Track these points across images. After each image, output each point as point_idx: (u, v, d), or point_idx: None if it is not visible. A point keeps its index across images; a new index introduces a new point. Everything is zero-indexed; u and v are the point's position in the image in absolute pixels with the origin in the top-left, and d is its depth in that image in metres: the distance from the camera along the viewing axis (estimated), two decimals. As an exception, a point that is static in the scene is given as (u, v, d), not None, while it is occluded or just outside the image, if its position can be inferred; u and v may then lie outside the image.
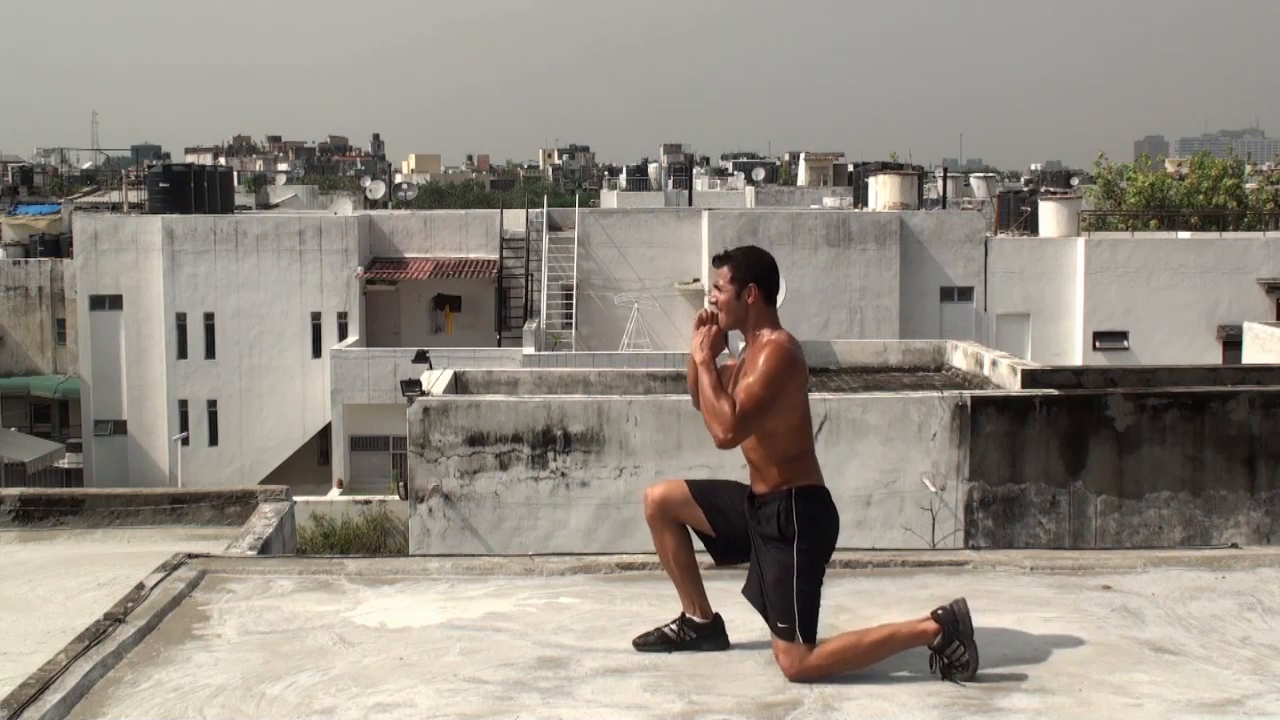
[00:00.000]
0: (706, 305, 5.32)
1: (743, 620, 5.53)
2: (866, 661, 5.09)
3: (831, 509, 5.21)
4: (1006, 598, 5.90)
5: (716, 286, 5.26)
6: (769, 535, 5.13)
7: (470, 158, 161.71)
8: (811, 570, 5.09)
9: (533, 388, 19.22)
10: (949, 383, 19.27)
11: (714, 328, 5.21)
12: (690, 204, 51.73)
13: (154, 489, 10.43)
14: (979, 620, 5.48)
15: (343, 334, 36.89)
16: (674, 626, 5.33)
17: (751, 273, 5.21)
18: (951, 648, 5.01)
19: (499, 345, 35.87)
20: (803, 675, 5.00)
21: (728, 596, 5.68)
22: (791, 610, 5.02)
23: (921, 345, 22.70)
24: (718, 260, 5.31)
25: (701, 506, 5.31)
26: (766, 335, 5.16)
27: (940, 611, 5.07)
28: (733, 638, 5.34)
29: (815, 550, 5.12)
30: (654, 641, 5.31)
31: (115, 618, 5.53)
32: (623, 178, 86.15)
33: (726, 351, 5.31)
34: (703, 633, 5.31)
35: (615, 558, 6.54)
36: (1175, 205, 50.95)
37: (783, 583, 5.05)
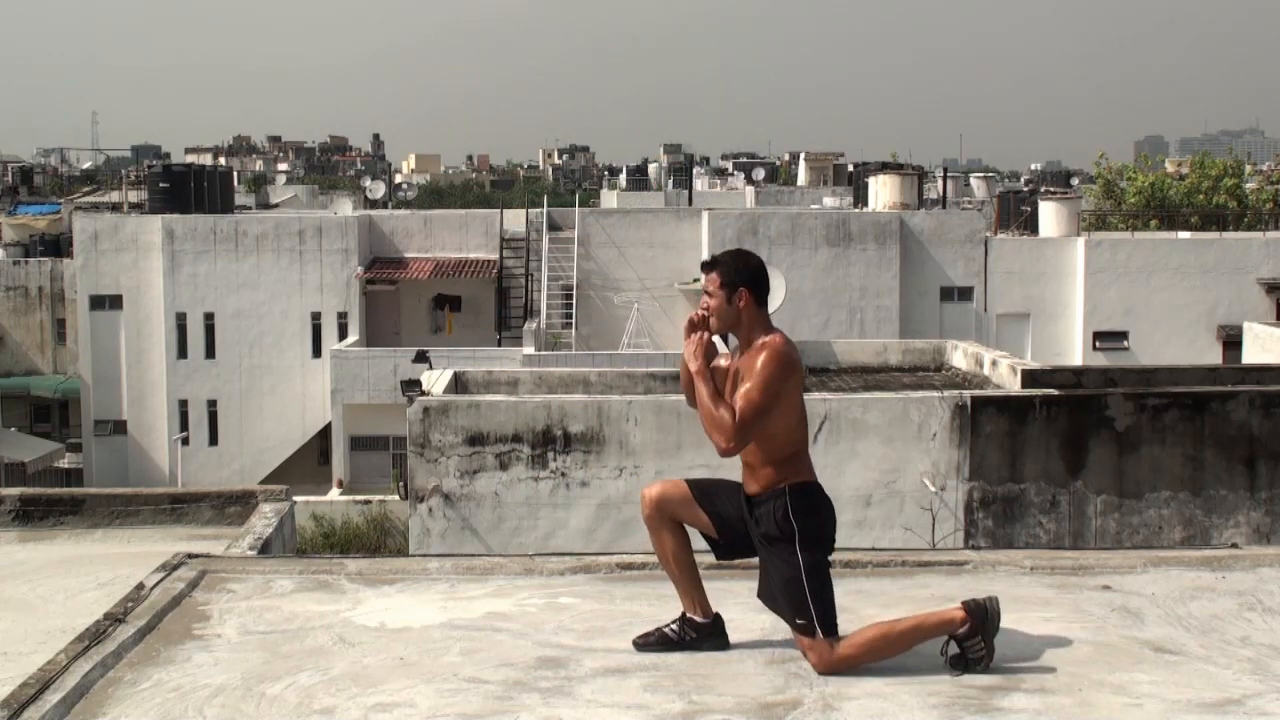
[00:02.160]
0: (698, 311, 5.31)
1: (742, 620, 5.53)
2: (895, 651, 5.14)
3: (826, 502, 5.25)
4: (1006, 598, 5.88)
5: (707, 292, 5.26)
6: (770, 535, 5.15)
7: (470, 158, 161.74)
8: (817, 564, 5.13)
9: (533, 388, 19.21)
10: (949, 383, 19.27)
11: (705, 334, 5.21)
12: (690, 204, 51.74)
13: (154, 489, 10.43)
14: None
15: (343, 334, 36.88)
16: (674, 626, 5.33)
17: (741, 276, 5.22)
18: (973, 642, 5.05)
19: (499, 345, 35.86)
20: (833, 668, 5.04)
21: (728, 596, 5.68)
22: (807, 607, 5.07)
23: (921, 345, 22.70)
24: (705, 266, 5.30)
25: (702, 507, 5.31)
26: (761, 339, 5.16)
27: (972, 605, 5.10)
28: (733, 638, 5.34)
29: (817, 543, 5.15)
30: (654, 642, 5.31)
31: (115, 618, 5.53)
32: (623, 178, 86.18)
33: (723, 352, 5.30)
34: (703, 632, 5.31)
35: (615, 558, 6.53)
36: (1175, 205, 50.93)
37: (793, 582, 5.09)
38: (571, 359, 28.80)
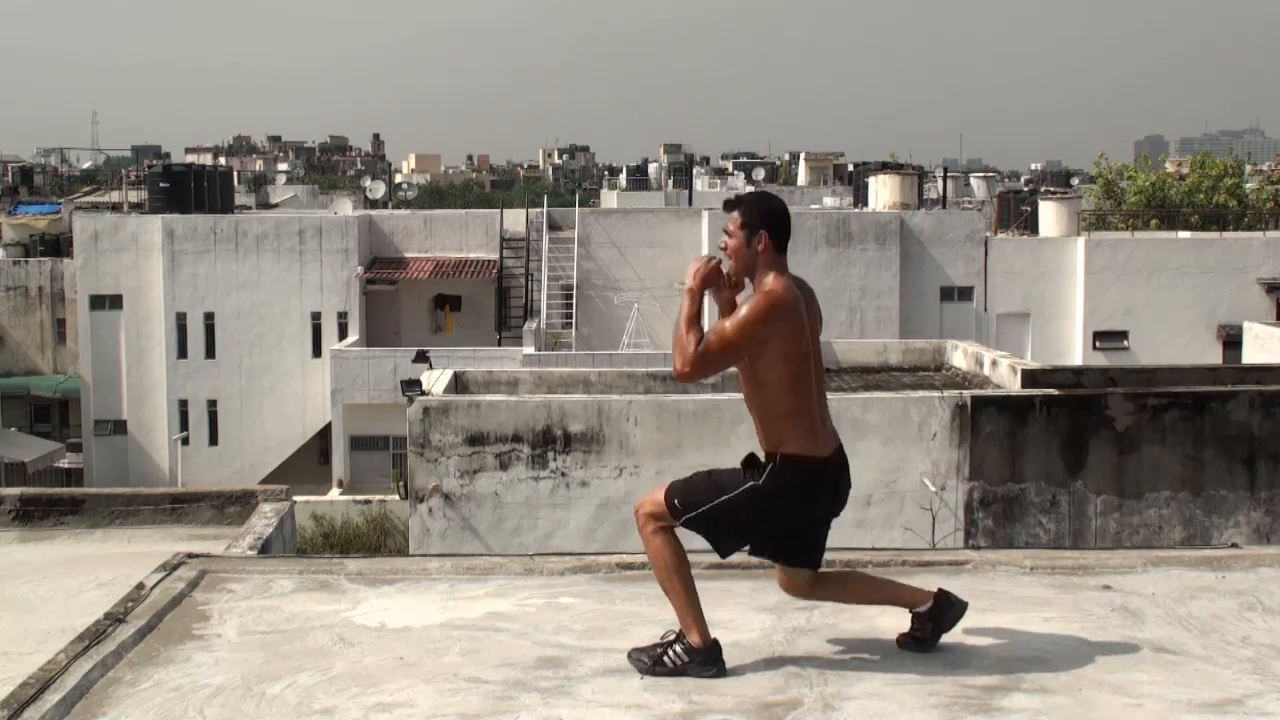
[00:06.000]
0: (716, 252, 5.17)
1: (742, 620, 5.53)
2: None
3: (813, 485, 5.00)
4: (1006, 598, 5.89)
5: (726, 232, 5.11)
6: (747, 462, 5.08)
7: (470, 158, 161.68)
8: (746, 503, 4.95)
9: (533, 388, 19.22)
10: (949, 383, 19.27)
11: (716, 260, 5.09)
12: (690, 204, 51.75)
13: (154, 489, 10.43)
14: (980, 620, 5.49)
15: (343, 334, 36.89)
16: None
17: (763, 219, 5.07)
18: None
19: (499, 345, 35.87)
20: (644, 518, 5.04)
21: (727, 596, 5.67)
22: (695, 504, 4.96)
23: (921, 345, 22.71)
24: (728, 205, 5.16)
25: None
26: (765, 283, 5.02)
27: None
28: (733, 637, 5.33)
29: (768, 501, 4.95)
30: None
31: (115, 618, 5.53)
32: (623, 178, 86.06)
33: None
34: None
35: (615, 558, 6.53)
36: (1175, 205, 50.93)
37: (710, 487, 5.01)
38: (571, 359, 28.80)
